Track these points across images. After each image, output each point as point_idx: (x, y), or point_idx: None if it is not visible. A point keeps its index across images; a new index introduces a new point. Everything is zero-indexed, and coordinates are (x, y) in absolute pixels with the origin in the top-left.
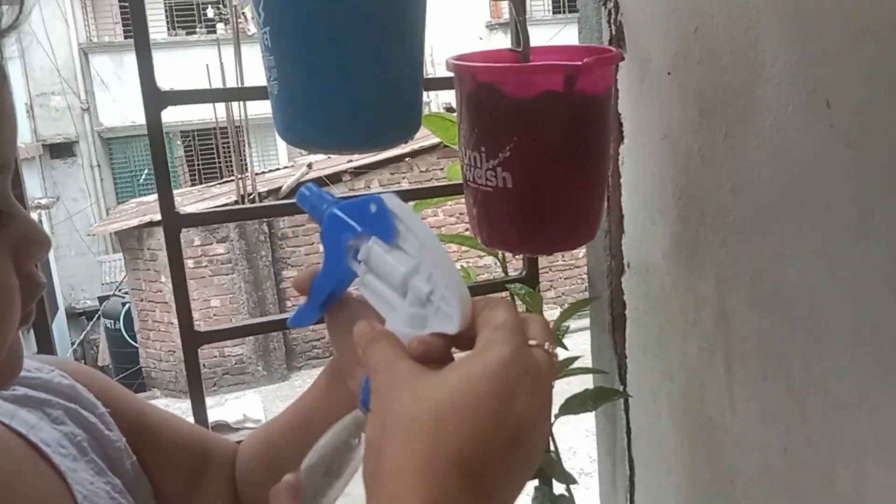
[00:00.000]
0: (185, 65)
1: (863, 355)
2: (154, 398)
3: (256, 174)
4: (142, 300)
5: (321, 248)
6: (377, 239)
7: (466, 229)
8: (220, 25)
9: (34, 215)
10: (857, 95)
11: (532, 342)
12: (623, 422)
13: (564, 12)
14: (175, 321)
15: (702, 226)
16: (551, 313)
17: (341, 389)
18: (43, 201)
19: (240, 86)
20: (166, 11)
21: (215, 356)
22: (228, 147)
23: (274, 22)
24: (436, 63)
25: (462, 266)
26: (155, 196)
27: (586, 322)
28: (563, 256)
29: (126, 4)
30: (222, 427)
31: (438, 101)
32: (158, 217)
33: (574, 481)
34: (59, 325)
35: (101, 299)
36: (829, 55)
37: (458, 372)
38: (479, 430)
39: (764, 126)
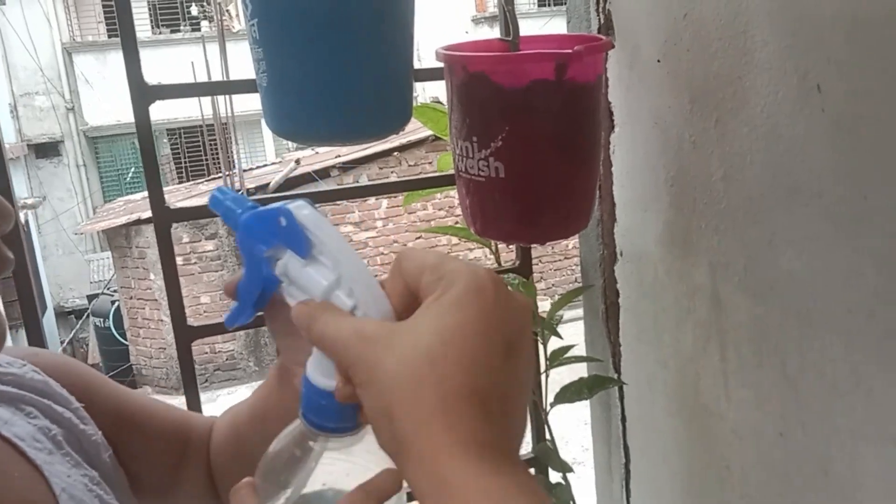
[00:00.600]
0: (169, 63)
1: (857, 341)
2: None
3: (244, 171)
4: (131, 298)
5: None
6: (292, 253)
7: (456, 222)
8: (204, 23)
9: (20, 215)
10: (848, 79)
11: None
12: (618, 410)
13: (549, 5)
14: (164, 318)
15: (694, 213)
16: (542, 305)
17: (290, 387)
18: (29, 201)
19: (224, 89)
20: (150, 9)
21: (206, 352)
22: (215, 144)
23: (261, 14)
24: (422, 57)
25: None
26: (142, 194)
27: (579, 312)
28: (552, 248)
29: (110, 4)
30: None
31: (426, 94)
32: (146, 215)
33: (570, 469)
34: (49, 324)
35: (90, 298)
36: (819, 39)
37: (430, 312)
38: (474, 356)
39: (755, 112)
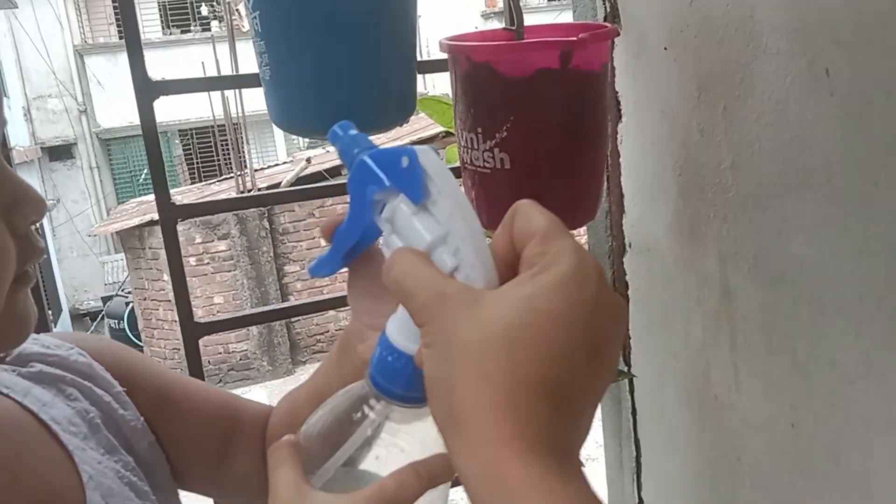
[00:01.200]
0: (180, 63)
1: (869, 328)
2: None
3: (255, 170)
4: (145, 299)
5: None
6: (405, 197)
7: None
8: (214, 23)
9: None
10: (856, 63)
11: None
12: (628, 403)
13: None
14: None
15: (702, 202)
16: None
17: (352, 357)
18: None
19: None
20: (160, 10)
21: (220, 352)
22: (227, 144)
23: (263, 6)
24: (431, 52)
25: None
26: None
27: None
28: None
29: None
30: None
31: (436, 91)
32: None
33: (582, 465)
34: (64, 327)
35: (105, 300)
36: (827, 22)
37: (523, 289)
38: (558, 348)
39: (763, 98)
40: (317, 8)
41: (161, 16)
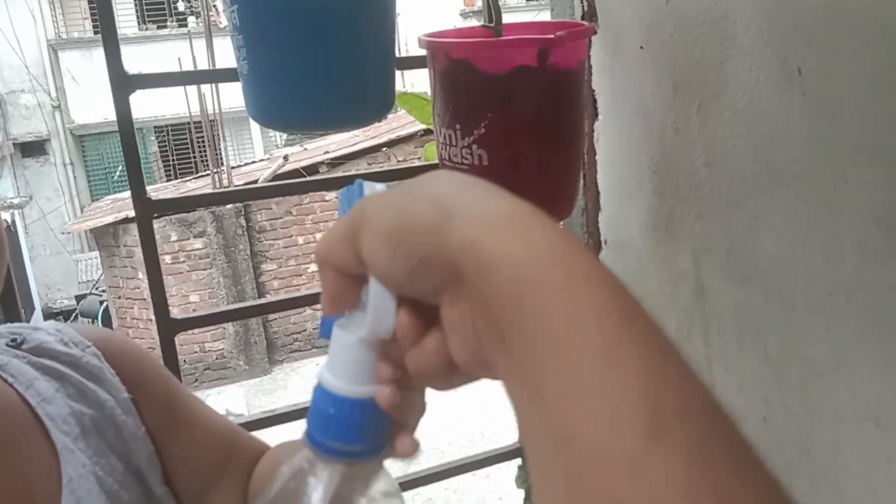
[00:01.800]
0: (156, 59)
1: (838, 323)
2: None
3: (232, 168)
4: (119, 297)
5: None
6: None
7: None
8: (191, 18)
9: (6, 216)
10: (828, 62)
11: None
12: None
13: None
14: (154, 317)
15: (677, 199)
16: None
17: None
18: (16, 201)
19: (204, 78)
20: (136, 5)
21: (196, 351)
22: (203, 141)
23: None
24: (410, 52)
25: None
26: (129, 192)
27: None
28: None
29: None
30: None
31: (414, 89)
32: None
33: None
34: None
35: (79, 298)
36: (798, 22)
37: None
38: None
39: (736, 97)
40: (295, 3)
41: (137, 11)
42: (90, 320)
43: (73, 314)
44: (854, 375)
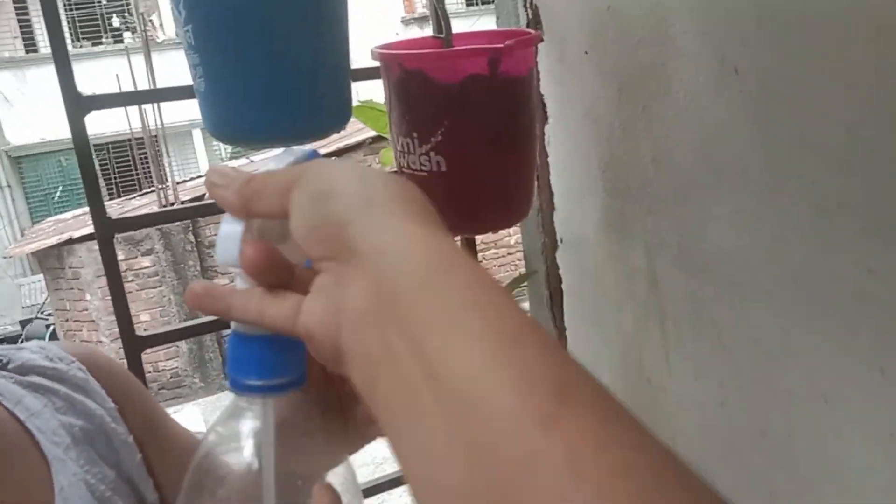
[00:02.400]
0: (93, 76)
1: (786, 308)
2: None
3: (178, 183)
4: (67, 321)
5: None
6: None
7: None
8: (127, 34)
9: None
10: (761, 61)
11: None
12: None
13: (477, 4)
14: (104, 339)
15: (628, 198)
16: None
17: None
18: None
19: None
20: (69, 22)
21: (149, 371)
22: (146, 158)
23: (196, 18)
24: (353, 59)
25: None
26: (72, 213)
27: (524, 306)
28: (495, 244)
29: (26, 18)
30: None
31: (358, 97)
32: (78, 234)
33: None
34: None
35: (23, 323)
36: (733, 24)
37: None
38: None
39: (679, 97)
40: (251, 19)
41: (70, 28)
42: None
43: (19, 339)
44: (803, 356)
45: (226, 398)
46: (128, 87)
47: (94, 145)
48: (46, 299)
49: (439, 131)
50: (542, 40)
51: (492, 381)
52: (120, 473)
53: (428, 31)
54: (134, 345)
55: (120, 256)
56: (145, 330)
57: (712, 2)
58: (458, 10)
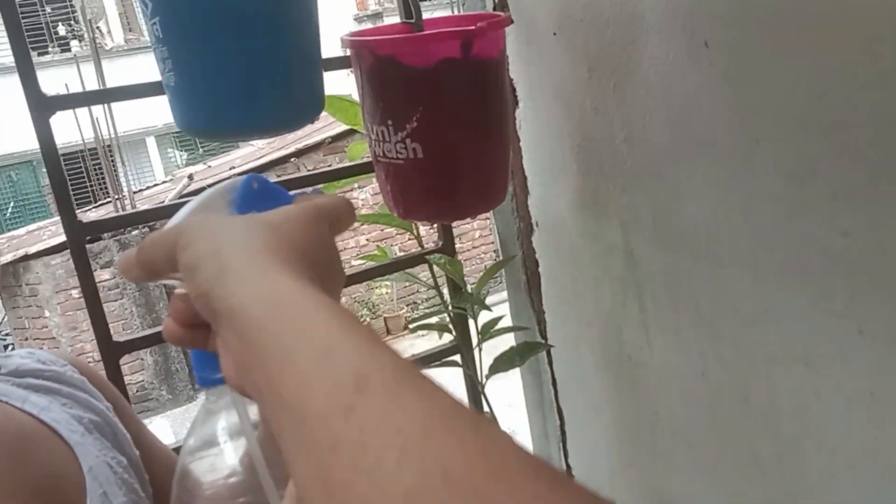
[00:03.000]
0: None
1: (762, 274)
2: None
3: (134, 192)
4: (27, 339)
5: None
6: None
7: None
8: (74, 42)
9: None
10: (730, 33)
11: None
12: (548, 374)
13: None
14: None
15: (601, 177)
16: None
17: None
18: None
19: (128, 94)
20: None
21: None
22: (100, 168)
23: (163, 11)
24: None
25: (377, 245)
26: (25, 228)
27: (502, 295)
28: (460, 239)
29: None
30: None
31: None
32: (33, 250)
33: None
34: None
35: None
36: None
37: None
38: (310, 236)
39: (649, 74)
40: (220, 9)
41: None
42: None
43: None
44: (781, 321)
45: (194, 409)
46: None
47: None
48: (4, 318)
49: (414, 118)
50: (512, 22)
51: (311, 390)
52: (130, 461)
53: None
54: (111, 350)
55: None
56: None
57: None
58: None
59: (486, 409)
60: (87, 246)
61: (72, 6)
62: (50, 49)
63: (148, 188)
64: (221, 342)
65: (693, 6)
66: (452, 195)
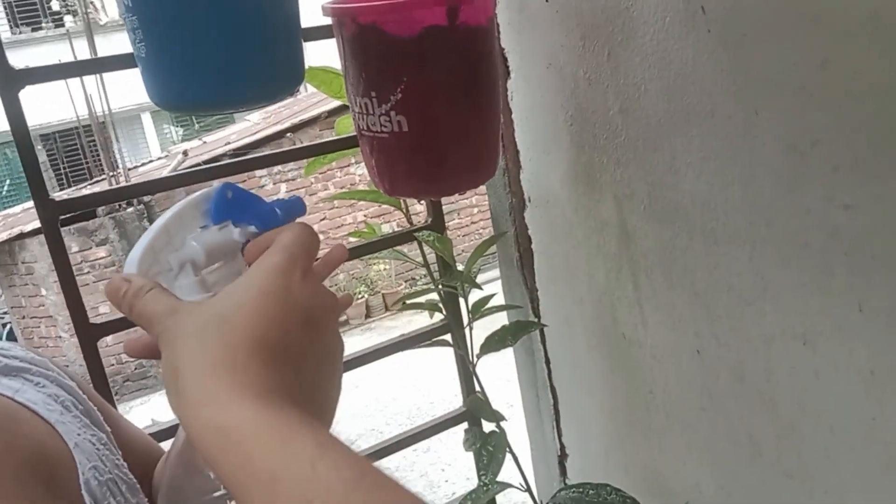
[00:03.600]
0: (34, 64)
1: (760, 251)
2: None
3: (129, 169)
4: (24, 318)
5: None
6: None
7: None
8: (68, 17)
9: None
10: None
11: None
12: (541, 353)
13: None
14: (63, 334)
15: (595, 149)
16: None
17: None
18: None
19: (100, 67)
20: (6, 7)
21: (112, 364)
22: (95, 145)
23: None
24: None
25: (365, 220)
26: (21, 206)
27: (493, 273)
28: (458, 214)
29: None
30: None
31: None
32: (29, 228)
33: (502, 417)
34: None
35: None
36: None
37: (236, 283)
38: (270, 314)
39: (645, 41)
40: None
41: (7, 13)
42: None
43: None
44: (779, 298)
45: None
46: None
47: (41, 135)
48: (1, 297)
49: (399, 89)
50: None
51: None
52: (107, 437)
53: None
54: (88, 333)
55: (74, 248)
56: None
57: None
58: None
59: (477, 388)
60: (83, 223)
61: None
62: (43, 24)
63: (143, 164)
64: None
65: None
66: (439, 170)
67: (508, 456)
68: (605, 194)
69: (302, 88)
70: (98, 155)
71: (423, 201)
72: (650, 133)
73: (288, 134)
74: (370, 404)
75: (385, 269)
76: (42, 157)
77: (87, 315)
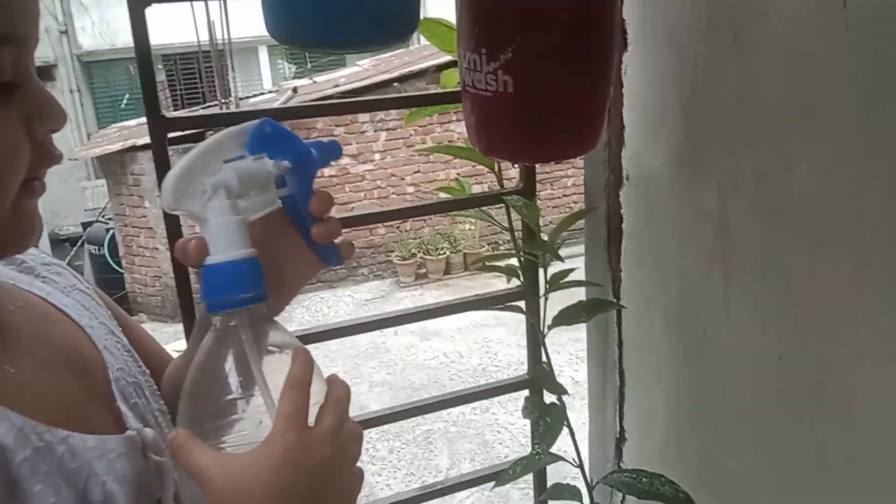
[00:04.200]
0: None
1: (866, 263)
2: (141, 322)
3: (240, 99)
4: (126, 226)
5: None
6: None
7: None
8: None
9: None
10: None
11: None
12: (615, 334)
13: None
14: (160, 246)
15: (706, 135)
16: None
17: None
18: None
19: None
20: None
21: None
22: (211, 72)
23: None
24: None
25: (457, 177)
26: (137, 120)
27: (578, 248)
28: (552, 185)
29: None
30: None
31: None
32: (141, 141)
33: (565, 391)
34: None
35: (85, 225)
36: None
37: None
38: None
39: (776, 28)
40: None
41: None
42: (97, 247)
43: (80, 241)
44: (877, 317)
45: None
46: (199, 7)
47: (162, 55)
48: (108, 204)
49: (510, 48)
50: None
51: None
52: (128, 343)
53: None
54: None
55: None
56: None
57: None
58: None
59: (544, 358)
60: (191, 145)
61: None
62: None
63: (254, 96)
64: None
65: None
66: (538, 136)
67: (565, 430)
68: (708, 182)
69: (415, 41)
70: (213, 81)
71: (517, 166)
72: (767, 124)
73: (395, 83)
74: (438, 357)
75: (470, 230)
76: (160, 76)
77: (182, 233)
